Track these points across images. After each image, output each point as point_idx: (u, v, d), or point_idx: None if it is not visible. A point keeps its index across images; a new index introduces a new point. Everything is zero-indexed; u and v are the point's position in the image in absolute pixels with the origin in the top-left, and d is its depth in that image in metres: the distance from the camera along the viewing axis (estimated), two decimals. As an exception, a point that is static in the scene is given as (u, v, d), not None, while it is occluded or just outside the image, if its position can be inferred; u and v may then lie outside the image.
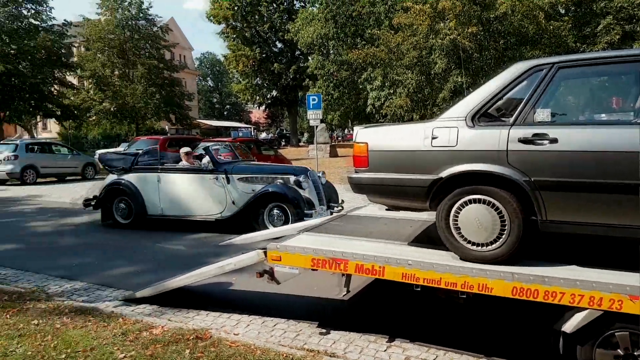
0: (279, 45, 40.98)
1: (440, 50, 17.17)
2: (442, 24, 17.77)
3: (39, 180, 16.88)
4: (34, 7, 28.71)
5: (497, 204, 3.09)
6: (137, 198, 8.06)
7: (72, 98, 33.28)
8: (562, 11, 20.74)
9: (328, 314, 4.27)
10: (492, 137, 3.09)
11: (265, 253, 3.92)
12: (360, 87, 24.80)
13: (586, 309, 2.80)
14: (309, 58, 35.40)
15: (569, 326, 2.85)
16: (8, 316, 4.03)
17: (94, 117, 35.50)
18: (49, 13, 29.33)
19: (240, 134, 38.68)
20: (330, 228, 4.47)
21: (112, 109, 33.64)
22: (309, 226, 4.73)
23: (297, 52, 39.33)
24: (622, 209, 2.83)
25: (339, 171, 18.99)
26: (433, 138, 3.27)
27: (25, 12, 28.53)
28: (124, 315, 4.09)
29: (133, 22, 33.86)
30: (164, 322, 3.95)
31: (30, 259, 6.24)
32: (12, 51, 26.90)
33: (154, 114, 35.28)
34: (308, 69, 31.07)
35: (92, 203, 8.58)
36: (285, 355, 3.30)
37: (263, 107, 49.77)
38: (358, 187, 3.68)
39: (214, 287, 5.04)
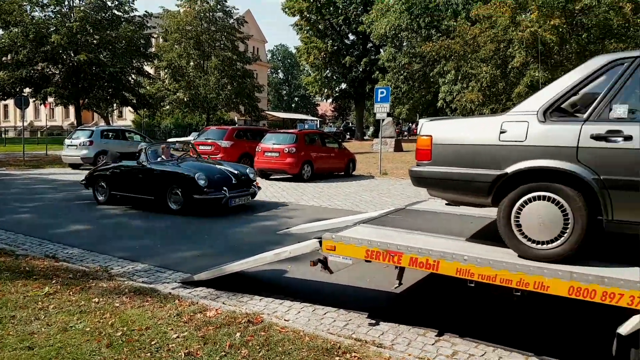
0: (352, 37, 40.97)
1: (520, 43, 16.34)
2: (523, 16, 16.92)
3: (112, 165, 17.82)
4: (117, -1, 30.63)
5: (562, 201, 2.99)
6: None
7: (147, 87, 35.34)
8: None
9: (379, 306, 4.27)
10: (564, 133, 2.99)
11: (320, 242, 3.99)
12: (432, 80, 24.22)
13: None
14: (381, 50, 35.04)
15: (625, 328, 2.71)
16: (71, 293, 4.22)
17: (167, 107, 37.43)
18: (131, 4, 31.26)
19: (306, 126, 39.32)
20: (387, 221, 4.47)
21: (185, 99, 35.28)
22: (366, 218, 4.74)
23: (370, 45, 39.12)
24: None
25: (403, 165, 18.73)
26: (501, 132, 3.18)
27: (109, 3, 30.55)
28: (180, 297, 4.26)
29: (210, 14, 35.20)
30: (218, 305, 4.10)
31: (98, 240, 6.62)
32: (94, 41, 28.91)
33: (224, 104, 36.61)
34: (379, 61, 30.74)
35: None
36: (333, 343, 3.34)
37: (330, 100, 50.16)
38: (419, 180, 3.63)
39: (270, 274, 5.18)
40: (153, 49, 35.81)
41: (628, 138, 2.78)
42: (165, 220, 8.16)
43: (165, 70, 36.01)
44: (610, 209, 2.86)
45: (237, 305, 4.17)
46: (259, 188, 9.59)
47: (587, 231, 2.94)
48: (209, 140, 16.02)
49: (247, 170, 9.48)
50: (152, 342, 3.31)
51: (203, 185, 8.30)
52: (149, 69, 36.71)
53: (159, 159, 9.27)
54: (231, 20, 36.96)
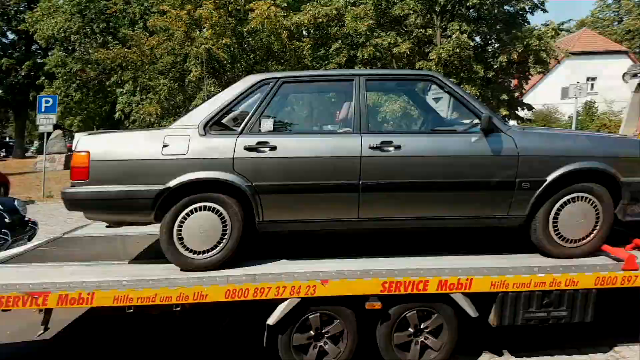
0: (11, 36, 34.74)
1: (196, 58, 17.02)
2: (198, 32, 17.65)
3: None
4: None
5: (221, 209, 3.11)
6: None
7: None
8: (306, 33, 23.16)
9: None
10: (221, 146, 3.14)
11: None
12: (109, 90, 22.64)
13: (287, 299, 2.98)
14: (49, 54, 30.81)
15: (272, 318, 2.99)
16: None
17: None
18: None
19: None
20: (35, 256, 3.67)
21: None
22: (6, 257, 3.72)
23: (35, 47, 33.93)
24: (328, 205, 3.18)
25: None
26: (164, 146, 3.12)
27: None
28: None
29: None
30: None
31: None
32: None
33: None
34: (46, 66, 26.84)
35: None
36: None
37: (-18, 109, 40.82)
38: (73, 203, 3.17)
39: None
40: None
41: (273, 148, 3.12)
42: None
43: None
44: (261, 211, 3.13)
45: None
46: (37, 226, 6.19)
47: (243, 235, 3.13)
48: None
49: (16, 203, 6.20)
50: None
51: None
52: None
53: None
54: None
